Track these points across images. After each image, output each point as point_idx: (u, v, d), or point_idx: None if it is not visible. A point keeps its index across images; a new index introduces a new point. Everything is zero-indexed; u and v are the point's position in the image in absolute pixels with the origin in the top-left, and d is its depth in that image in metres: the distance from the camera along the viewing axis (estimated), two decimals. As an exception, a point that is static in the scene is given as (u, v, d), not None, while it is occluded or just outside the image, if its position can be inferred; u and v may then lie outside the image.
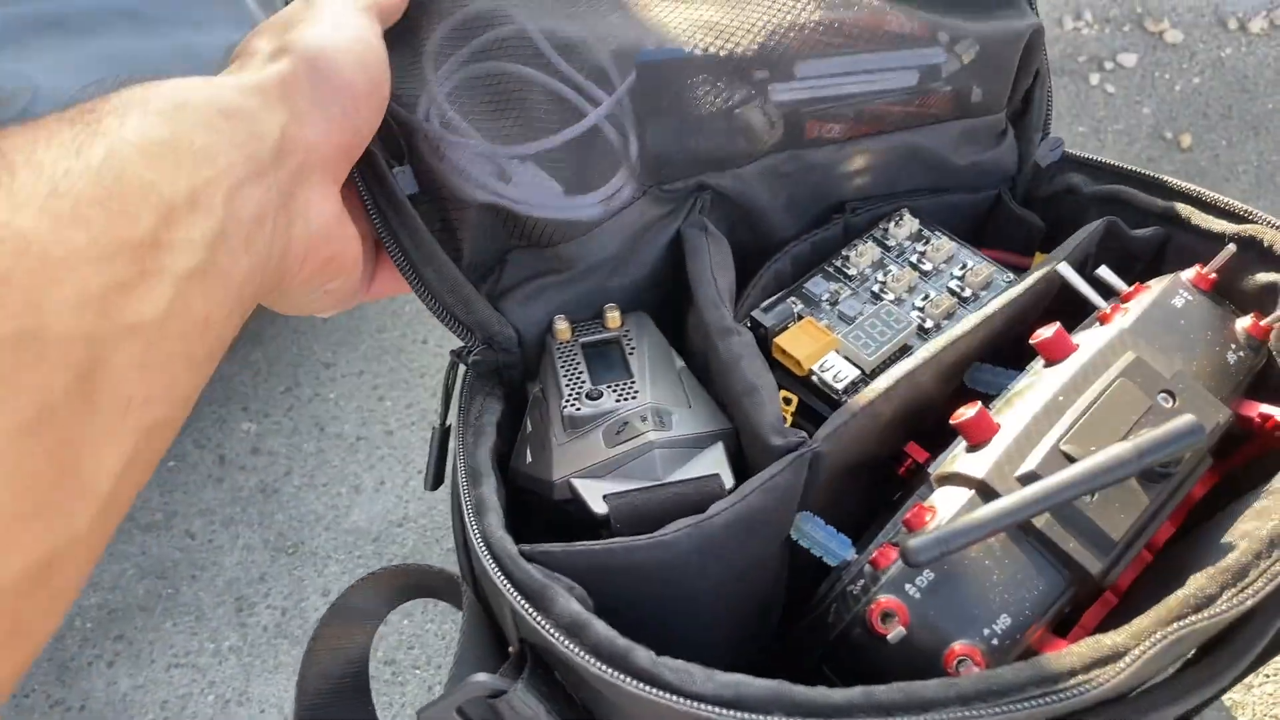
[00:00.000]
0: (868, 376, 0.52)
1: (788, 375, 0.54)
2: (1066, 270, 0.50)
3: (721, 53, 0.53)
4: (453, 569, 0.55)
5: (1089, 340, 0.47)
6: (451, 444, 0.56)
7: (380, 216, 0.50)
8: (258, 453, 0.85)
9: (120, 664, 0.76)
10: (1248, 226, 0.52)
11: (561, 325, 0.53)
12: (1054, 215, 0.62)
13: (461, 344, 0.53)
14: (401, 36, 0.54)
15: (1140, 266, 0.57)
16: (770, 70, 0.54)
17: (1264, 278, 0.51)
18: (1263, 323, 0.49)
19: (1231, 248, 0.50)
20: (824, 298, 0.56)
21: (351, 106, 0.44)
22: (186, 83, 0.38)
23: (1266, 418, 0.47)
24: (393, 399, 0.86)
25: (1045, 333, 0.47)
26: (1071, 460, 0.42)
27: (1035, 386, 0.46)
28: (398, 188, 0.50)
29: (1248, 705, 0.71)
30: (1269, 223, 0.51)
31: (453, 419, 0.54)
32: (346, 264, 0.46)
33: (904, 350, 0.54)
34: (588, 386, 0.51)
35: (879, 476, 0.54)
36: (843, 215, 0.59)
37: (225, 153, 0.37)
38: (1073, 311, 0.52)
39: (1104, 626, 0.44)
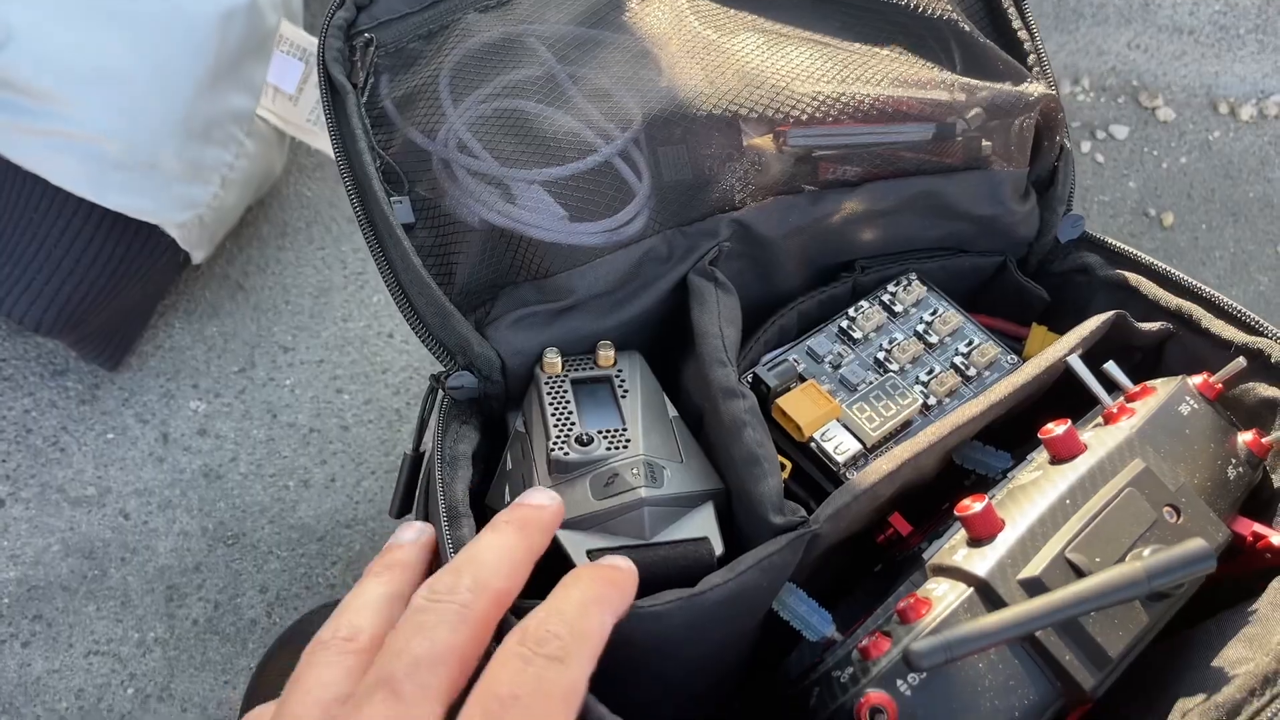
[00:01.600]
0: (868, 451, 0.51)
1: (785, 438, 0.52)
2: (1078, 365, 0.49)
3: (738, 113, 0.53)
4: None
5: (1097, 442, 0.46)
6: (424, 473, 0.54)
7: (376, 244, 0.51)
8: (204, 434, 0.81)
9: (36, 645, 0.72)
10: (1257, 339, 0.51)
11: (552, 358, 0.51)
12: (1060, 291, 0.61)
13: (442, 369, 0.51)
14: (412, 64, 0.53)
15: (1139, 358, 0.56)
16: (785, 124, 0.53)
17: (1265, 392, 0.51)
18: (1264, 440, 0.49)
19: (1241, 361, 0.49)
20: (827, 358, 0.55)
21: None
22: None
23: (1259, 537, 0.47)
24: (351, 393, 0.83)
25: (1056, 430, 0.46)
26: (1076, 569, 0.41)
27: (1041, 485, 0.45)
28: (393, 217, 0.50)
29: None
30: (1277, 337, 0.51)
31: (427, 446, 0.52)
32: None
33: (906, 426, 0.52)
34: (578, 430, 0.49)
35: (858, 544, 0.53)
36: (852, 274, 0.58)
37: None
38: (1066, 394, 0.51)
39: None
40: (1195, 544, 0.40)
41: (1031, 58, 0.60)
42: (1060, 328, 0.59)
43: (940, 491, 0.53)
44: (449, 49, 0.53)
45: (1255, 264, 1.03)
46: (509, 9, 0.55)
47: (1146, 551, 0.41)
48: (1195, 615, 0.47)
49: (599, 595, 0.39)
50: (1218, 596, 0.48)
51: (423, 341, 0.51)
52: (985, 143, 0.57)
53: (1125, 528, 0.42)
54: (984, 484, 0.51)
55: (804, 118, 0.53)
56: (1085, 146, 1.10)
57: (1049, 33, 1.17)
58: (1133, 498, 0.43)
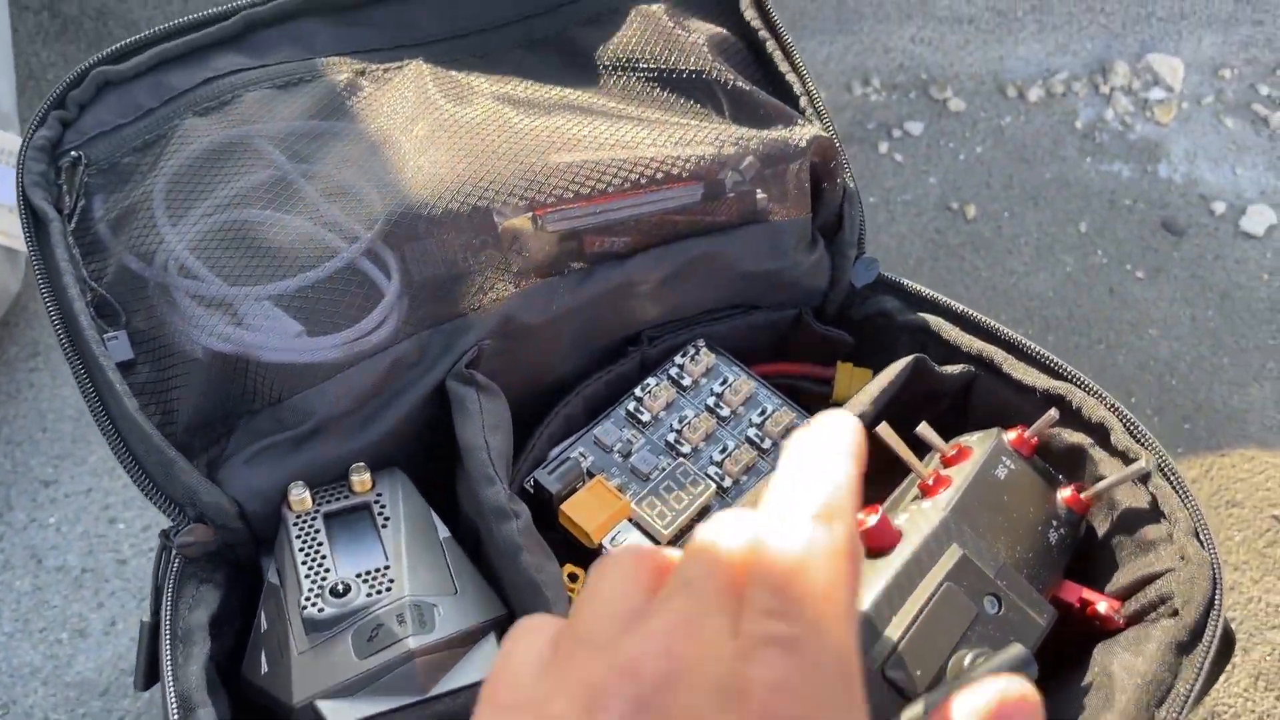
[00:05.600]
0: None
1: (576, 544, 0.47)
2: (888, 436, 0.45)
3: (491, 198, 0.48)
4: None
5: (913, 528, 0.42)
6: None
7: (90, 385, 0.45)
8: (-40, 592, 0.72)
9: None
10: (1058, 383, 0.49)
11: (299, 494, 0.45)
12: (864, 333, 0.58)
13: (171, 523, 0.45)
14: (127, 180, 0.48)
15: (946, 403, 0.54)
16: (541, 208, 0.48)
17: (1071, 439, 0.49)
18: (1083, 495, 0.46)
19: (1054, 414, 0.47)
20: (616, 447, 0.50)
21: None
22: None
23: (1086, 603, 0.44)
24: (126, 520, 0.75)
25: (869, 520, 0.41)
26: (896, 688, 0.37)
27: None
28: (105, 359, 0.44)
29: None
30: (1080, 382, 0.49)
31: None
32: None
33: (703, 513, 0.48)
34: (333, 578, 0.43)
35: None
36: (639, 348, 0.54)
37: None
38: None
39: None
40: (1015, 651, 0.36)
41: (803, 100, 0.56)
42: (868, 362, 0.56)
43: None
44: (165, 160, 0.47)
45: (1059, 245, 1.03)
46: (230, 109, 0.49)
47: (967, 659, 0.38)
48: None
49: None
50: (1051, 662, 0.45)
51: (145, 495, 0.45)
52: (760, 194, 0.53)
53: (945, 629, 0.39)
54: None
55: (562, 194, 0.49)
56: (883, 147, 1.09)
57: (833, 35, 1.16)
58: (951, 594, 0.39)
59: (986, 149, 1.10)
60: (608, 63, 0.55)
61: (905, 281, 0.57)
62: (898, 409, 0.49)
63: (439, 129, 0.50)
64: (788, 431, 0.51)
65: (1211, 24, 1.22)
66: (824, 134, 0.53)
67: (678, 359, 0.53)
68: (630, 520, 0.47)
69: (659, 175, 0.49)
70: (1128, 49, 1.20)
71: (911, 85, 1.14)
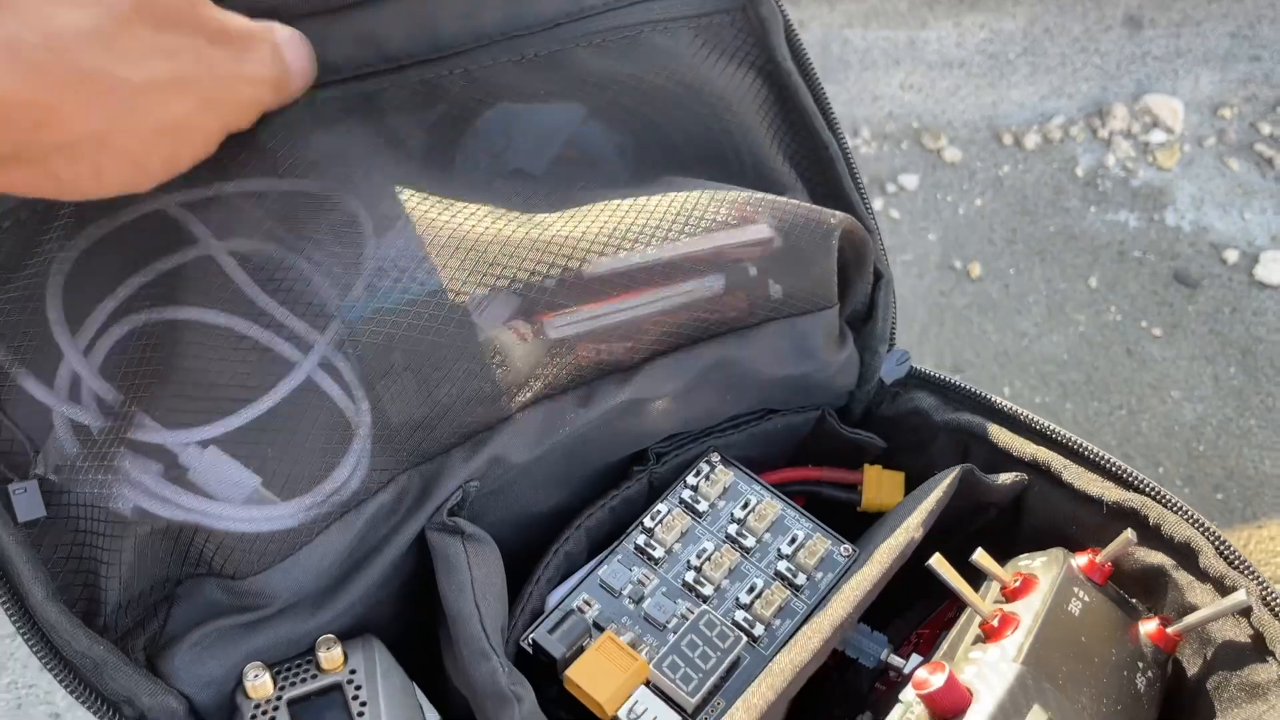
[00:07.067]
0: (690, 717, 0.40)
1: (587, 715, 0.40)
2: (942, 571, 0.39)
3: (471, 295, 0.40)
4: None
5: (983, 684, 0.36)
6: None
7: None
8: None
9: None
10: (1129, 495, 0.43)
11: (257, 679, 0.38)
12: (895, 432, 0.51)
13: None
14: (22, 256, 0.38)
15: (994, 513, 0.48)
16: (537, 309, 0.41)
17: (1147, 559, 0.42)
18: (1170, 630, 0.40)
19: (1131, 536, 0.40)
20: (625, 591, 0.43)
21: None
22: None
23: None
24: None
25: (934, 680, 0.35)
26: None
27: None
28: (3, 518, 0.35)
29: None
30: (1156, 494, 0.43)
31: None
32: None
33: (733, 670, 0.41)
34: (301, 784, 0.36)
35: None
36: (645, 466, 0.47)
37: None
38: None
39: None
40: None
41: (839, 166, 0.49)
42: (900, 464, 0.50)
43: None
44: (59, 235, 0.38)
45: (1070, 304, 0.98)
46: None
47: None
48: None
49: None
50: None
51: (72, 694, 0.37)
52: (773, 284, 0.46)
53: None
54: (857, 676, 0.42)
55: (566, 291, 0.41)
56: (878, 204, 1.04)
57: (821, 85, 1.11)
58: None
59: (986, 201, 1.05)
60: (611, 98, 0.47)
61: (942, 375, 0.51)
62: (938, 523, 0.43)
63: (410, 199, 0.41)
64: (822, 562, 0.45)
65: (1208, 61, 1.18)
66: (856, 222, 0.46)
67: (690, 478, 0.47)
68: (649, 684, 0.40)
69: (679, 260, 0.42)
70: (1124, 90, 1.15)
71: (903, 135, 1.09)
